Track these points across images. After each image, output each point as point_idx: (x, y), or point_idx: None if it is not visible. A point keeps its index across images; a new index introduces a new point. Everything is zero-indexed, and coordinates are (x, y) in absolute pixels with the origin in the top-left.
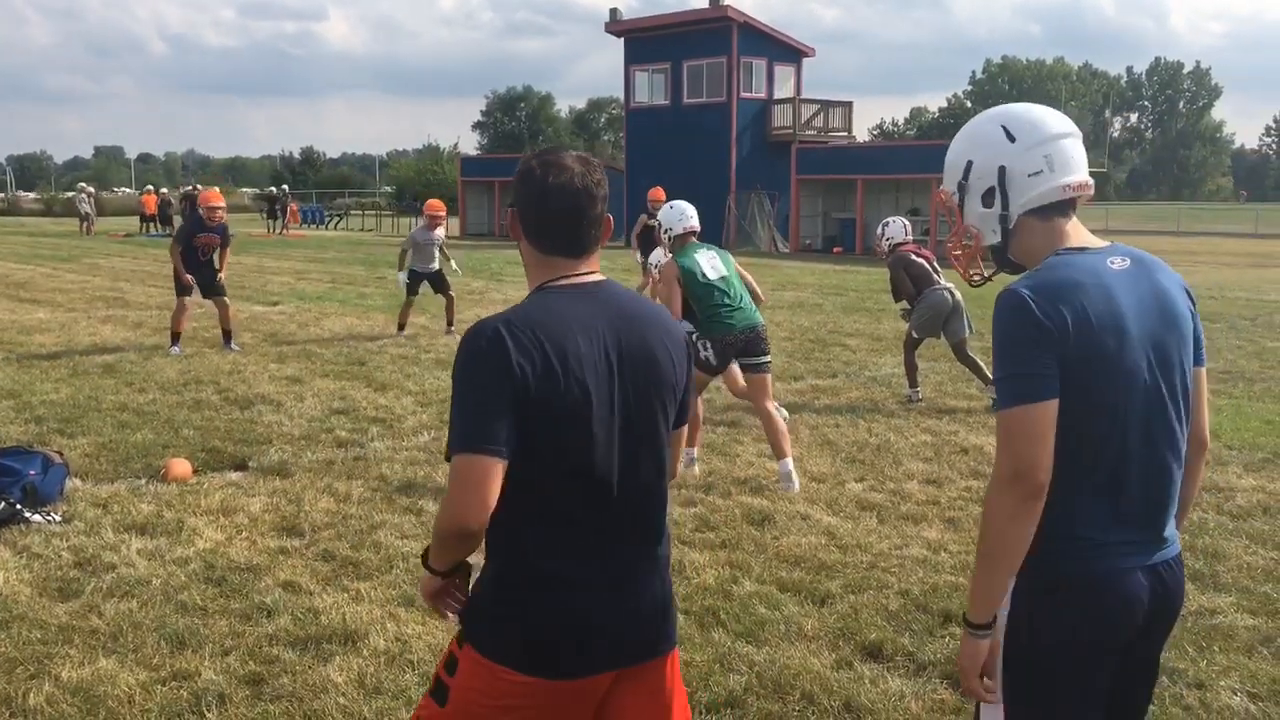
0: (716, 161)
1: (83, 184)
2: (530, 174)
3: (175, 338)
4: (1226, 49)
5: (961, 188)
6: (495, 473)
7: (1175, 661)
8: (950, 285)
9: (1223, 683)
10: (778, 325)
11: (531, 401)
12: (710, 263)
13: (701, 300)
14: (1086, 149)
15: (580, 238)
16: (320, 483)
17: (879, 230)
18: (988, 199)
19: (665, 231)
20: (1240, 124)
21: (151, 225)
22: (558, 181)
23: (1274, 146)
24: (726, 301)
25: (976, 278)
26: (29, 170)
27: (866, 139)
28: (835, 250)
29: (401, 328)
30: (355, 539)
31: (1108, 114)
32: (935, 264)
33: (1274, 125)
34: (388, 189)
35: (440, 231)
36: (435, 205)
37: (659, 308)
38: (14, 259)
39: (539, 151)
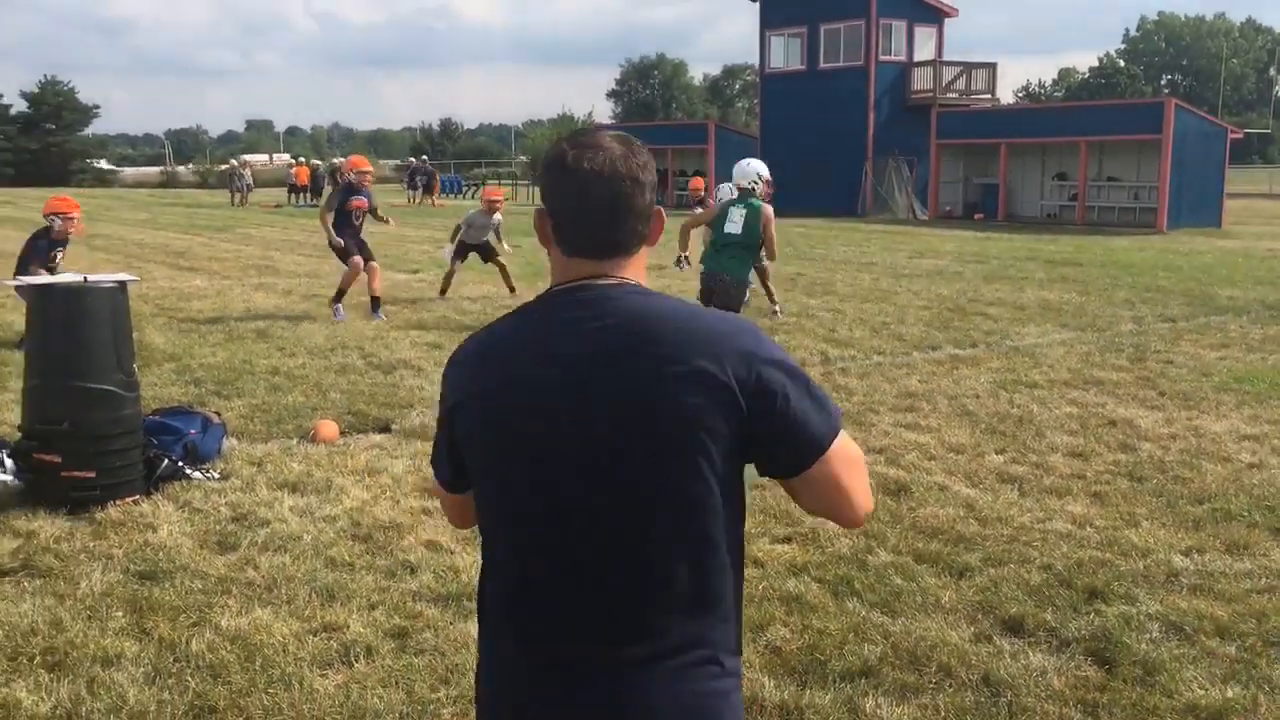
0: (853, 127)
1: (244, 156)
2: (555, 160)
3: (340, 296)
4: None
5: None
6: (456, 501)
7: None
8: None
9: None
10: (915, 294)
11: (457, 439)
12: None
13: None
14: (1249, 109)
15: (605, 233)
16: None
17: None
18: None
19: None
20: None
21: (302, 196)
22: (589, 165)
23: None
24: (714, 248)
25: None
26: (186, 144)
27: (1011, 101)
28: (976, 217)
29: (443, 293)
30: None
31: (1273, 71)
32: None
33: None
34: (523, 158)
35: (498, 217)
36: (493, 192)
37: (697, 324)
38: (173, 229)
39: (570, 134)
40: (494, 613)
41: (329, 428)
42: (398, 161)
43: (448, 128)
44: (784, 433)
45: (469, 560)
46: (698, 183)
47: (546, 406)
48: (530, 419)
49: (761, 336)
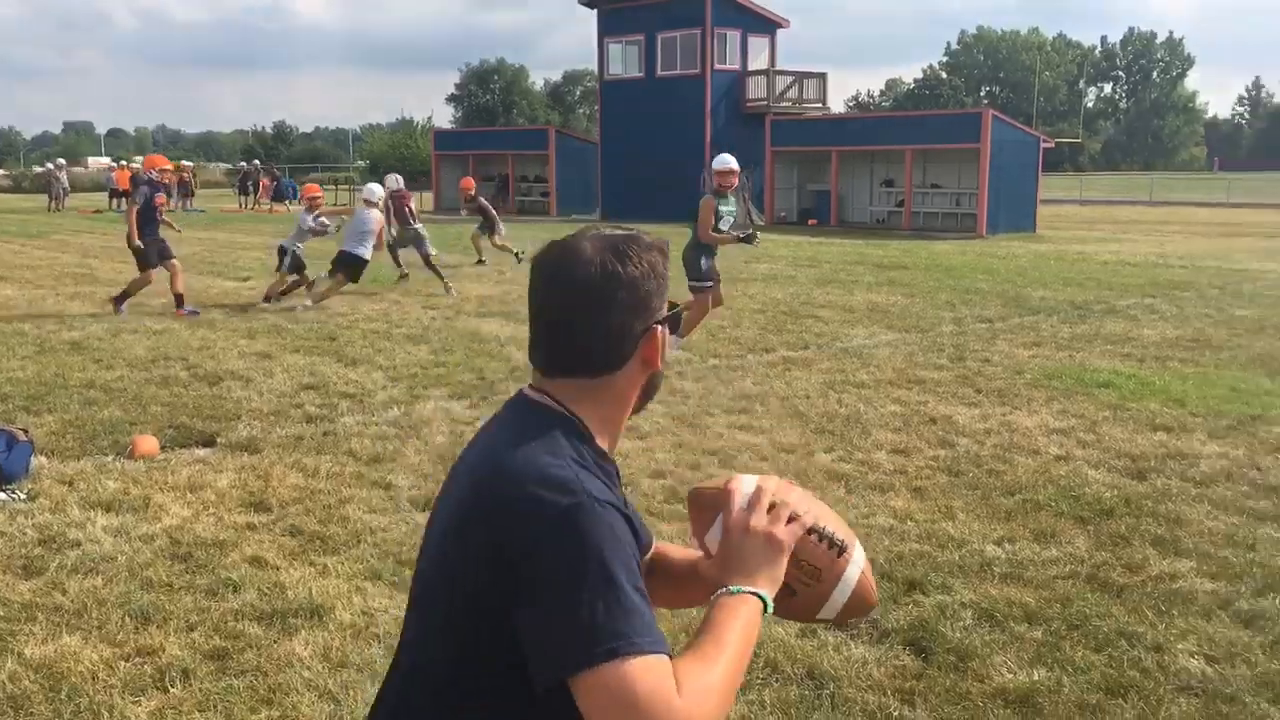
0: (691, 134)
1: (60, 159)
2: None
3: (124, 298)
4: (1199, 19)
5: None
6: None
7: (1134, 626)
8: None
9: (1180, 646)
10: (751, 298)
11: None
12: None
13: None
14: (1061, 119)
15: (544, 348)
16: (289, 458)
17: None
18: None
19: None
20: (1213, 94)
21: (124, 200)
22: (546, 271)
23: (1245, 116)
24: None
25: None
26: None
27: (842, 110)
28: (810, 222)
29: (276, 296)
30: (323, 514)
31: (1082, 84)
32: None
33: (1245, 95)
34: (361, 163)
35: (314, 216)
36: (312, 189)
37: (508, 448)
38: None
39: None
40: None
41: (148, 443)
42: (228, 166)
43: (281, 131)
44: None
45: (295, 576)
46: (467, 183)
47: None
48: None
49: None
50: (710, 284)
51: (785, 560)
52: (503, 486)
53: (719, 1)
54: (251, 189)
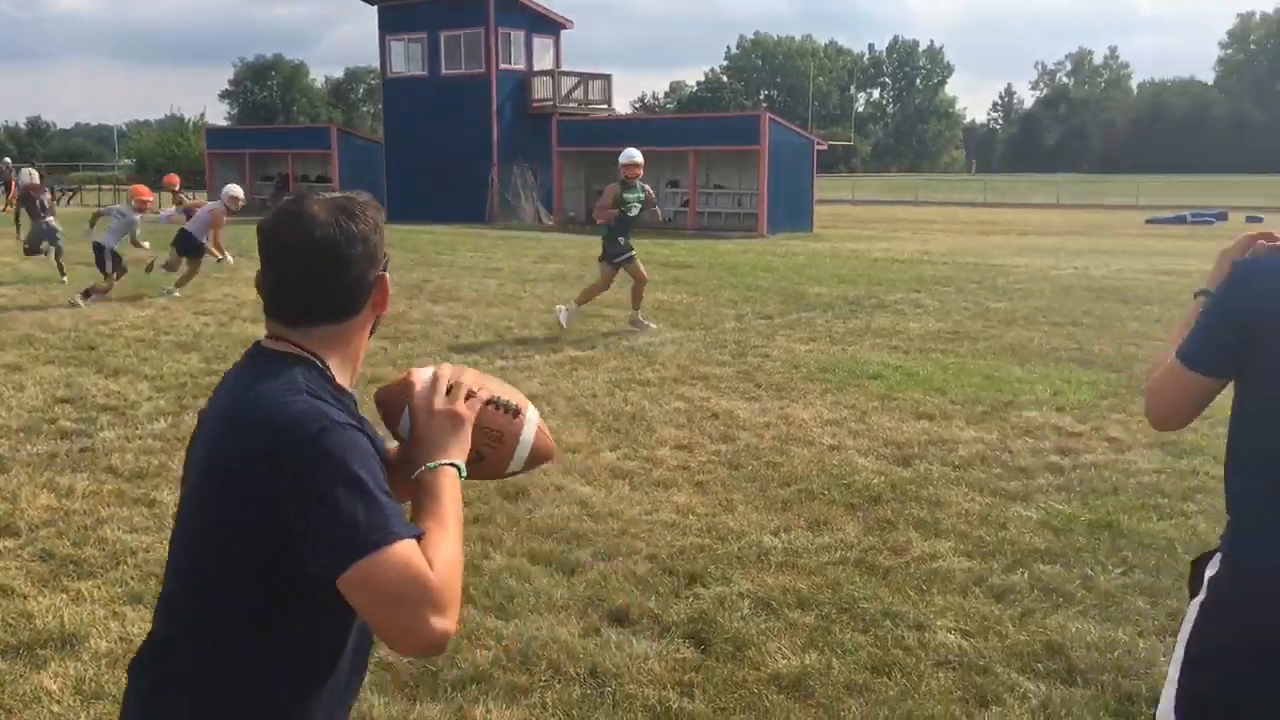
0: (477, 134)
1: None
2: (260, 225)
3: None
4: (957, 29)
5: None
6: None
7: (898, 605)
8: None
9: (940, 622)
10: (539, 299)
11: None
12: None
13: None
14: (834, 123)
15: (287, 303)
16: (40, 478)
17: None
18: None
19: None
20: (971, 100)
21: None
22: (281, 236)
23: (999, 121)
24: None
25: None
26: None
27: (627, 112)
28: (598, 222)
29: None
30: (78, 536)
31: (853, 89)
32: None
33: (999, 101)
34: (127, 161)
35: (139, 216)
36: (144, 191)
37: (248, 391)
38: None
39: (292, 197)
40: None
41: None
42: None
43: (36, 126)
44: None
45: (44, 604)
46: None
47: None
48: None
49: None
50: (628, 255)
51: (469, 431)
52: (253, 425)
53: (502, 1)
54: (1, 189)
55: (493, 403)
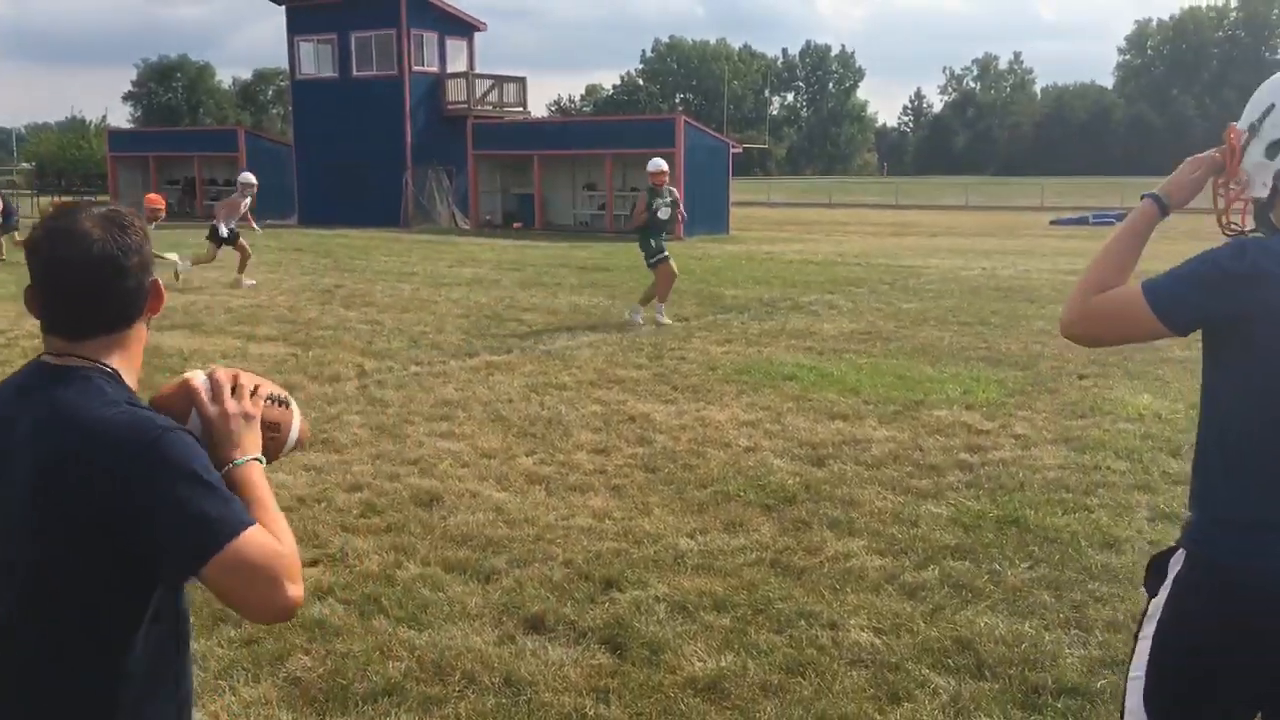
0: (391, 137)
1: None
2: (28, 243)
3: None
4: (868, 33)
5: (1253, 129)
6: None
7: (812, 605)
8: None
9: (853, 620)
10: (455, 303)
11: None
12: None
13: None
14: (749, 126)
15: (73, 317)
16: None
17: None
18: (1272, 150)
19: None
20: (882, 104)
21: None
22: (59, 253)
23: (910, 125)
24: None
25: (1232, 227)
26: None
27: (544, 115)
28: (515, 226)
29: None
30: None
31: (767, 93)
32: None
33: (909, 105)
34: (26, 165)
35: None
36: (155, 199)
37: (58, 411)
38: None
39: (52, 212)
40: None
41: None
42: None
43: None
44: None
45: None
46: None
47: None
48: None
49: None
50: (665, 255)
51: (259, 426)
52: (90, 440)
53: (414, 3)
54: None
55: (269, 398)
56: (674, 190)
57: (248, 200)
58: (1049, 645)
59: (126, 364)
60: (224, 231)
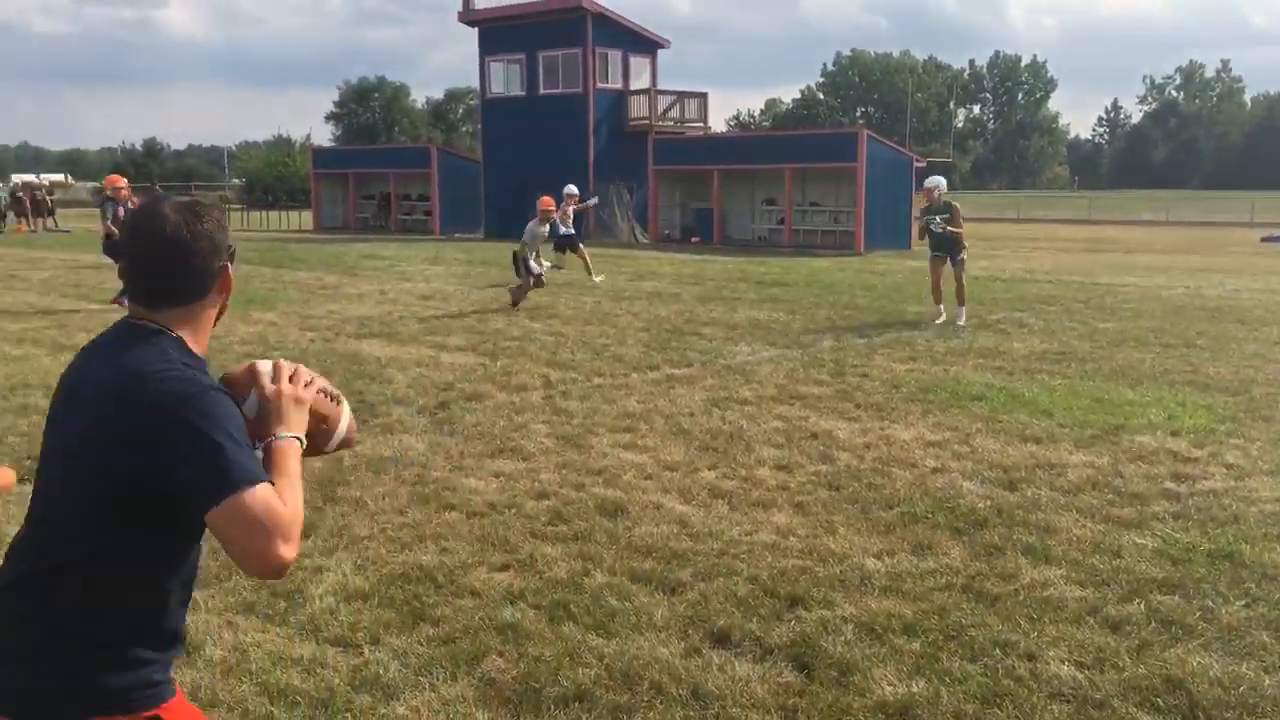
0: (574, 153)
1: None
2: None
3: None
4: (1061, 43)
5: None
6: None
7: (1008, 634)
8: None
9: (1052, 652)
10: (635, 316)
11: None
12: None
13: None
14: (933, 139)
15: (145, 286)
16: None
17: None
18: None
19: None
20: (1074, 115)
21: None
22: (138, 232)
23: (1105, 136)
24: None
25: None
26: None
27: (723, 130)
28: (693, 240)
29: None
30: None
31: (952, 105)
32: None
33: (1104, 116)
34: (236, 181)
35: (546, 228)
36: (546, 202)
37: (126, 362)
38: None
39: (147, 199)
40: None
41: (4, 475)
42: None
43: (152, 148)
44: None
45: None
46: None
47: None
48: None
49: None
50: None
51: (307, 411)
52: (144, 387)
53: (600, 22)
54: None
55: (323, 391)
56: (954, 203)
57: (570, 209)
58: (1269, 690)
59: (192, 335)
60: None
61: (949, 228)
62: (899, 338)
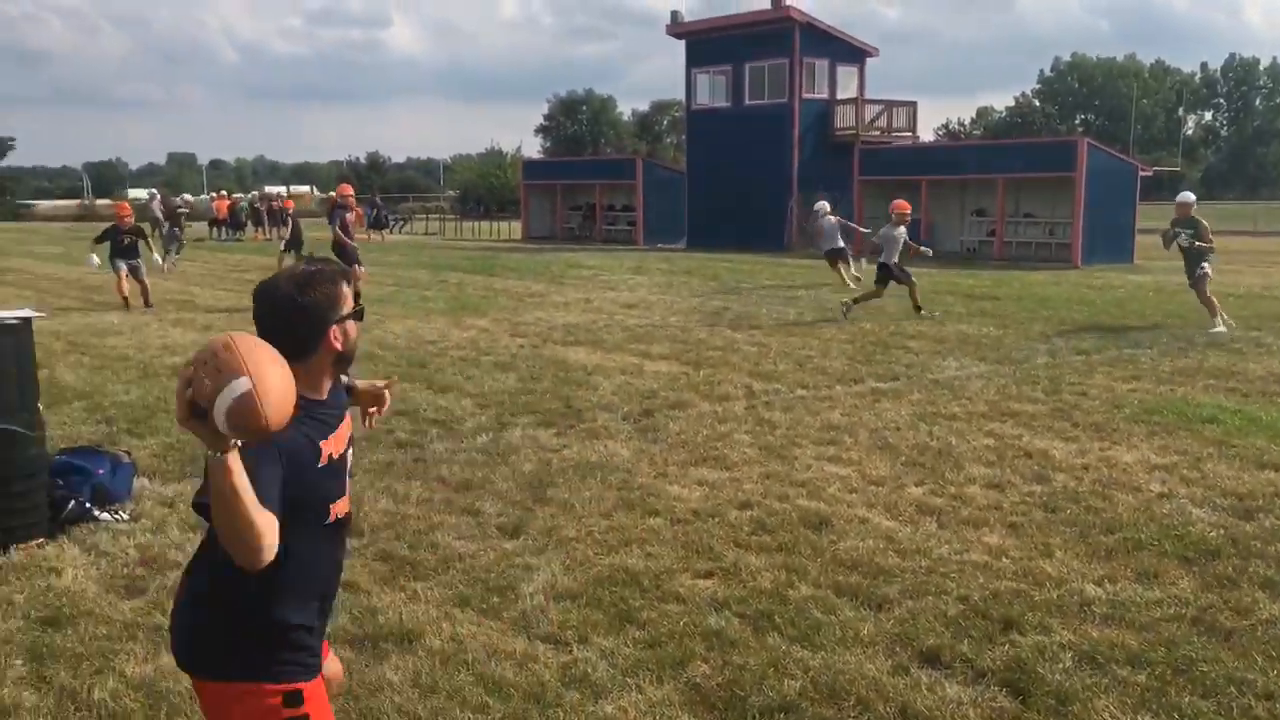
0: (778, 163)
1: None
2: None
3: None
4: None
5: None
6: None
7: (1244, 672)
8: None
9: None
10: (839, 328)
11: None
12: None
13: None
14: (1159, 148)
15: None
16: (380, 483)
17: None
18: None
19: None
20: None
21: (223, 229)
22: (258, 298)
23: None
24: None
25: None
26: (105, 177)
27: (931, 139)
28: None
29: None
30: (413, 539)
31: (1181, 112)
32: None
33: None
34: (451, 192)
35: (902, 230)
36: (901, 205)
37: None
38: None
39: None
40: None
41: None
42: (322, 196)
43: (375, 161)
44: None
45: (386, 601)
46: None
47: None
48: None
49: None
50: (1205, 273)
51: (203, 429)
52: None
53: (807, 31)
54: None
55: (189, 384)
56: (1202, 220)
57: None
58: None
59: (306, 381)
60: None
61: (1196, 243)
62: (1120, 355)
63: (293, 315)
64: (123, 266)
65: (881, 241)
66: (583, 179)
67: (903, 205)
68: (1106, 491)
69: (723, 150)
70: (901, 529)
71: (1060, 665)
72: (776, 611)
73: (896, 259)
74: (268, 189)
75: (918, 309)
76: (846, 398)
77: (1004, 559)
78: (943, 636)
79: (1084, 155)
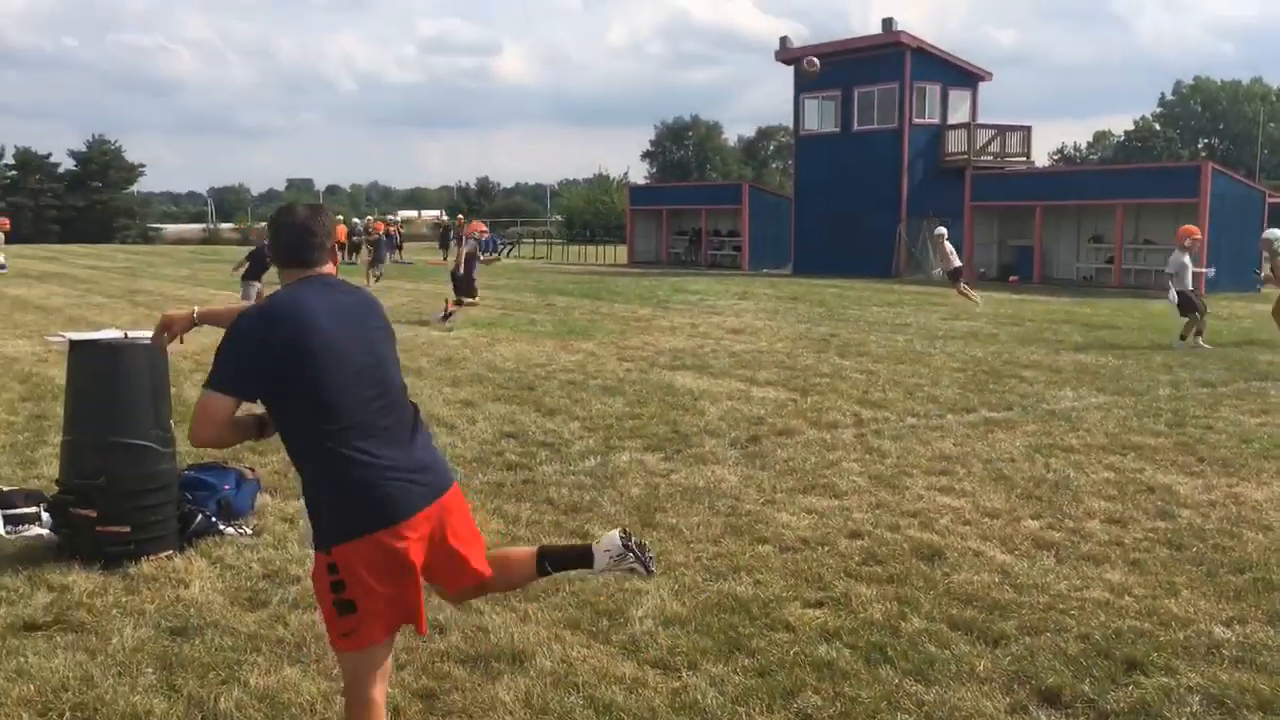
0: (887, 188)
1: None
2: (273, 220)
3: (449, 316)
4: None
5: None
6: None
7: None
8: None
9: None
10: (950, 355)
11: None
12: None
13: None
14: None
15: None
16: (490, 504)
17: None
18: None
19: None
20: None
21: (340, 253)
22: (289, 219)
23: None
24: None
25: None
26: (227, 202)
27: (1046, 164)
28: (1011, 279)
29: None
30: None
31: None
32: None
33: None
34: (558, 217)
35: (1188, 257)
36: (1191, 230)
37: (355, 291)
38: (214, 285)
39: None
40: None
41: None
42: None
43: (485, 186)
44: None
45: (498, 621)
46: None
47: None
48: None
49: None
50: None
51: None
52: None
53: (918, 56)
54: (453, 242)
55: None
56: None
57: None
58: None
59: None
60: None
61: None
62: (1248, 388)
63: (309, 232)
64: (258, 288)
65: (1174, 269)
66: (689, 204)
67: (1191, 230)
68: (1235, 529)
69: (831, 175)
70: (1017, 563)
71: (1187, 709)
72: (889, 644)
73: (1190, 284)
74: (401, 213)
75: (1183, 337)
76: (958, 427)
77: (1126, 597)
78: (1063, 675)
79: (1208, 180)
